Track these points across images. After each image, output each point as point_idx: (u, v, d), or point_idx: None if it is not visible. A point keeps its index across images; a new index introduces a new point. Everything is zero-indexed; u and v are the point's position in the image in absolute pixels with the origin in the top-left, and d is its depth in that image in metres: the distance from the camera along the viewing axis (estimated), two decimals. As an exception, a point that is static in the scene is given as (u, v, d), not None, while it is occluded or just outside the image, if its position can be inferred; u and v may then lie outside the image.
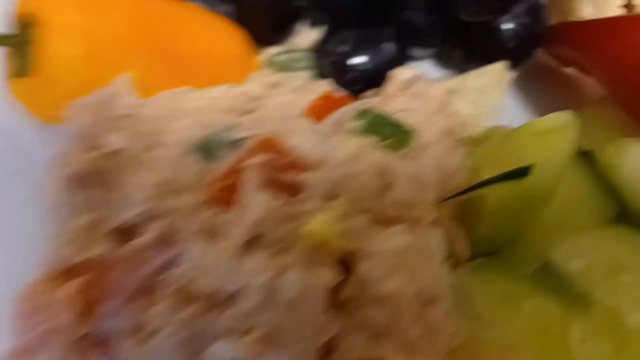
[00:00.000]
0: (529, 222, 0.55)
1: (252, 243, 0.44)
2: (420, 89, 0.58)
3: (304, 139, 0.48)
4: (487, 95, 0.66)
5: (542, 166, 0.51)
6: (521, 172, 0.50)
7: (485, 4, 0.60)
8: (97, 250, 0.47)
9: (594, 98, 0.69)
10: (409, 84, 0.59)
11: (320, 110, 0.60)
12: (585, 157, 0.60)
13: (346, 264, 0.47)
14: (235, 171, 0.47)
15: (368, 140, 0.52)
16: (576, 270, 0.51)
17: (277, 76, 0.63)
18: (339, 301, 0.46)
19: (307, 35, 0.70)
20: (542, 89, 0.72)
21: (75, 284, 0.47)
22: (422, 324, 0.44)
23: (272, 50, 0.67)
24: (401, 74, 0.60)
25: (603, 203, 0.58)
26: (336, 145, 0.50)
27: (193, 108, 0.56)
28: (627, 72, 0.61)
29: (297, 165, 0.48)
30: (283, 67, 0.66)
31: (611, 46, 0.62)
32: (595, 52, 0.65)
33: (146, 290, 0.46)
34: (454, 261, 0.54)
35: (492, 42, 0.68)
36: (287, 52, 0.67)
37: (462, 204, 0.56)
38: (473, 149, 0.58)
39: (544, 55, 0.72)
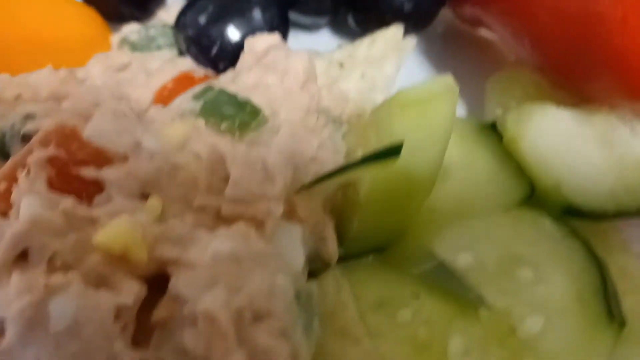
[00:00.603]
0: (413, 213, 0.45)
1: (20, 260, 0.34)
2: (277, 60, 0.48)
3: (102, 125, 0.38)
4: (380, 67, 0.57)
5: (416, 143, 0.41)
6: (392, 151, 0.41)
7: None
8: None
9: (510, 61, 0.59)
10: (263, 54, 0.49)
11: (171, 94, 0.51)
12: (493, 129, 0.51)
13: (164, 277, 0.37)
14: (16, 169, 0.37)
15: (200, 123, 0.42)
16: (464, 266, 0.42)
17: (125, 56, 0.53)
18: (151, 325, 0.36)
19: (173, 9, 0.60)
20: (450, 55, 0.63)
21: None
22: (247, 347, 0.34)
23: (128, 28, 0.57)
24: (257, 43, 0.50)
25: (508, 184, 0.48)
26: (152, 131, 0.40)
27: (7, 97, 0.46)
28: (534, 27, 0.51)
29: (98, 158, 0.38)
30: (138, 45, 0.57)
31: (516, 4, 0.52)
32: (501, 8, 0.55)
33: None
34: (323, 263, 0.44)
35: (388, 4, 0.58)
36: (142, 29, 0.57)
37: (333, 196, 0.46)
38: (351, 129, 0.49)
39: (451, 14, 0.62)
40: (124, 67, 0.53)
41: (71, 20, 0.57)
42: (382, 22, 0.59)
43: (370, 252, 0.47)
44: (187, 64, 0.55)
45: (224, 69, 0.55)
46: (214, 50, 0.54)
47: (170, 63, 0.55)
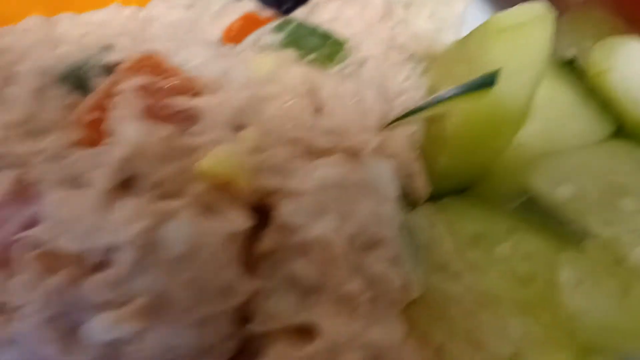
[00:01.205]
0: (502, 147, 0.44)
1: (126, 187, 0.32)
2: (357, -9, 0.46)
3: (195, 54, 0.37)
4: (448, 5, 0.55)
5: (510, 73, 0.40)
6: (486, 81, 0.40)
7: None
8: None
9: (576, 2, 0.57)
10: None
11: (238, 34, 0.49)
12: (571, 66, 0.49)
13: (264, 208, 0.36)
14: (107, 99, 0.35)
15: (288, 54, 0.40)
16: (564, 197, 0.40)
17: (189, -3, 0.51)
18: (257, 254, 0.35)
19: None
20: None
21: None
22: (362, 275, 0.33)
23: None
24: (334, -27, 0.48)
25: (594, 120, 0.47)
26: (241, 61, 0.38)
27: (74, 36, 0.44)
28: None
29: (189, 87, 0.37)
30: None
31: None
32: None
33: (4, 258, 0.35)
34: (412, 200, 0.43)
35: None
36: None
37: (422, 132, 0.45)
38: (431, 66, 0.47)
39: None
40: (188, 7, 0.51)
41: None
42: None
43: (457, 190, 0.46)
44: (249, 4, 0.53)
45: (287, 10, 0.53)
46: (279, -11, 0.52)
47: (233, 3, 0.53)
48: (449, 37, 0.54)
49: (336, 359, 0.32)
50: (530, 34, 0.40)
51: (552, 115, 0.47)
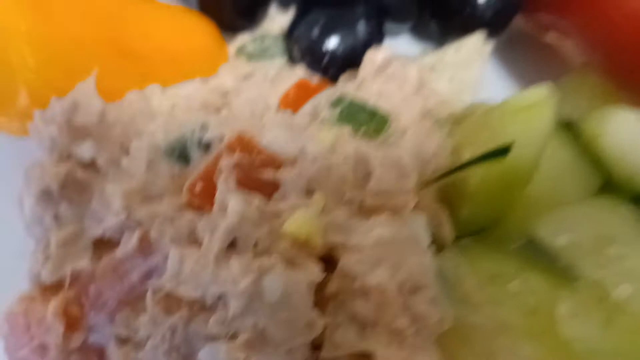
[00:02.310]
0: (513, 200, 0.54)
1: (231, 247, 0.43)
2: (396, 70, 0.56)
3: (276, 135, 0.47)
4: (466, 70, 0.65)
5: (522, 144, 0.51)
6: (501, 151, 0.50)
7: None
8: (80, 263, 0.47)
9: (577, 64, 0.68)
10: (384, 65, 0.57)
11: (295, 99, 0.59)
12: (569, 127, 0.60)
13: (330, 259, 0.46)
14: (210, 173, 0.46)
15: (344, 130, 0.51)
16: (562, 245, 0.51)
17: (249, 66, 0.62)
18: (325, 296, 0.45)
19: (277, 19, 0.68)
20: (523, 57, 0.71)
21: (61, 298, 0.47)
22: (409, 313, 0.44)
23: (242, 38, 0.66)
24: (375, 55, 0.58)
25: (588, 174, 0.57)
26: (311, 138, 0.49)
27: (165, 108, 0.55)
28: (608, 33, 0.59)
29: (272, 162, 0.47)
30: (254, 55, 0.65)
31: (593, 7, 0.60)
32: (573, 15, 0.63)
33: (132, 300, 0.46)
34: (440, 244, 0.54)
35: (468, 12, 0.67)
36: (257, 39, 0.65)
37: (445, 187, 0.55)
38: (454, 128, 0.58)
39: (523, 22, 0.70)
40: (248, 76, 0.61)
41: (194, 32, 0.65)
42: (463, 29, 0.67)
43: (471, 234, 0.57)
44: (300, 71, 0.63)
45: (333, 75, 0.63)
46: (325, 59, 0.63)
47: (286, 71, 0.63)
48: (467, 98, 0.64)
49: (389, 379, 0.43)
50: (538, 113, 0.51)
51: (554, 171, 0.57)
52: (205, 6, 0.65)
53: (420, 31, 0.73)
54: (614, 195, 0.56)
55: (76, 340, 0.46)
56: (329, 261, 0.46)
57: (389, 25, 0.71)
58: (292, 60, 0.66)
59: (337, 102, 0.53)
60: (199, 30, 0.65)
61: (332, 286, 0.45)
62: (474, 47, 0.66)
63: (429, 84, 0.63)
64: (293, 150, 0.47)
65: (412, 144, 0.51)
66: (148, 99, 0.54)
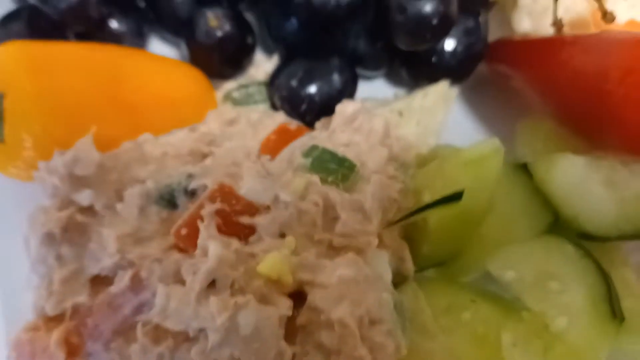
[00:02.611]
0: (468, 237, 0.61)
1: (211, 286, 0.50)
2: (363, 122, 0.63)
3: (253, 184, 0.54)
4: (432, 115, 0.72)
5: (473, 190, 0.57)
6: (454, 197, 0.56)
7: (419, 37, 0.65)
8: (79, 298, 0.53)
9: (534, 110, 0.74)
10: (352, 117, 0.64)
11: (274, 145, 0.66)
12: (523, 169, 0.66)
13: (299, 294, 0.53)
14: (194, 219, 0.53)
15: (314, 178, 0.57)
16: (509, 280, 0.57)
17: (234, 112, 0.68)
18: (294, 328, 0.52)
19: (262, 66, 0.75)
20: (485, 102, 0.77)
21: (63, 328, 0.53)
22: (367, 344, 0.50)
23: (229, 85, 0.72)
24: (346, 108, 0.65)
25: (538, 214, 0.64)
26: (284, 186, 0.55)
27: (156, 155, 0.61)
28: (554, 89, 0.66)
29: (249, 209, 0.54)
30: (240, 101, 0.71)
31: (541, 65, 0.67)
32: (527, 70, 0.70)
33: (124, 330, 0.52)
34: (402, 277, 0.60)
35: (434, 62, 0.73)
36: (242, 87, 0.72)
37: (407, 226, 0.62)
38: (417, 171, 0.64)
39: (486, 70, 0.77)
40: (233, 122, 0.68)
41: (185, 82, 0.71)
42: (430, 76, 0.74)
43: (432, 266, 0.63)
44: (281, 116, 0.70)
45: (310, 121, 0.70)
46: (303, 107, 0.69)
47: (267, 116, 0.70)
48: (432, 141, 0.71)
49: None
50: (485, 166, 0.57)
51: (507, 210, 0.64)
52: (195, 57, 0.72)
53: (392, 76, 0.80)
54: (562, 232, 0.62)
55: (75, 366, 0.52)
56: (298, 296, 0.53)
57: (364, 72, 0.77)
58: (273, 106, 0.72)
59: (309, 151, 0.60)
60: (190, 79, 0.71)
61: (301, 319, 0.51)
62: (440, 93, 0.72)
63: (396, 130, 0.69)
64: (267, 198, 0.54)
65: (376, 189, 0.58)
66: (141, 147, 0.60)
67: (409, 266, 0.59)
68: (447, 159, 0.60)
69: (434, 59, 0.73)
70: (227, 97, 0.72)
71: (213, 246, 0.49)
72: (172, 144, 0.62)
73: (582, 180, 0.61)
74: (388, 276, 0.56)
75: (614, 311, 0.55)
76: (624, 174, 0.62)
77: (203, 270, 0.49)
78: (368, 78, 0.79)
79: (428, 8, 0.63)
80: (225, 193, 0.53)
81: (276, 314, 0.49)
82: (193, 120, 0.69)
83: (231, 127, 0.67)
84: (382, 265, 0.56)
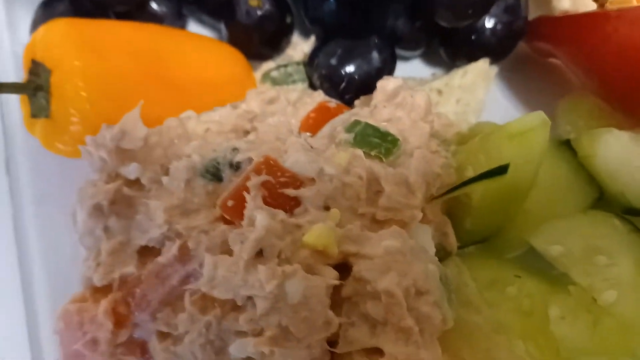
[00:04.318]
0: (512, 213, 0.60)
1: (258, 255, 0.50)
2: (405, 98, 0.63)
3: (297, 158, 0.54)
4: (472, 93, 0.71)
5: (518, 164, 0.56)
6: (499, 171, 0.56)
7: (461, 13, 0.65)
8: (127, 269, 0.54)
9: (576, 86, 0.73)
10: (394, 93, 0.64)
11: (314, 122, 0.66)
12: (566, 146, 0.65)
13: (345, 265, 0.53)
14: (240, 191, 0.53)
15: (357, 152, 0.57)
16: (555, 254, 0.57)
17: (273, 91, 0.68)
18: (340, 299, 0.52)
19: (299, 47, 0.75)
20: (525, 80, 0.77)
21: (110, 299, 0.54)
22: (414, 314, 0.50)
23: (267, 65, 0.73)
24: (387, 84, 0.65)
25: (583, 189, 0.63)
26: (328, 159, 0.55)
27: (199, 132, 0.62)
28: (598, 64, 0.65)
29: (294, 181, 0.54)
30: (278, 81, 0.72)
31: (584, 40, 0.66)
32: (570, 46, 0.69)
33: (172, 300, 0.53)
34: (445, 252, 0.60)
35: (473, 41, 0.73)
36: (281, 66, 0.72)
37: (450, 201, 0.61)
38: (459, 148, 0.64)
39: (526, 48, 0.76)
40: (273, 100, 0.68)
41: (225, 61, 0.72)
42: (469, 55, 0.74)
43: (475, 243, 0.63)
44: (320, 95, 0.70)
45: (349, 100, 0.70)
46: (343, 85, 0.69)
47: (306, 95, 0.70)
48: (473, 119, 0.70)
49: (397, 372, 0.49)
50: (531, 138, 0.56)
51: (551, 186, 0.63)
52: (234, 38, 0.73)
53: (430, 57, 0.79)
54: (608, 208, 0.61)
55: (123, 335, 0.53)
56: (343, 268, 0.53)
57: (401, 52, 0.77)
58: (312, 86, 0.72)
59: (352, 126, 0.59)
60: (229, 59, 0.72)
61: (347, 290, 0.51)
62: (479, 72, 0.72)
63: (436, 108, 0.69)
64: (312, 171, 0.54)
65: (419, 164, 0.57)
66: (184, 124, 0.61)
67: (452, 241, 0.59)
68: (491, 134, 0.59)
69: (473, 37, 0.73)
70: (266, 77, 0.72)
71: (260, 216, 0.50)
72: (215, 120, 0.63)
73: (627, 155, 0.60)
74: (432, 250, 0.56)
75: (663, 286, 0.54)
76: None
77: (251, 239, 0.49)
78: (406, 58, 0.79)
79: (471, -17, 0.63)
80: (270, 165, 0.54)
81: (323, 284, 0.49)
82: (233, 99, 0.69)
83: (271, 105, 0.68)
84: (426, 239, 0.56)
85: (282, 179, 0.54)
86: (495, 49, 0.73)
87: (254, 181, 0.52)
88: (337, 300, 0.52)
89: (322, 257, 0.51)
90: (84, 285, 0.56)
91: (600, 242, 0.56)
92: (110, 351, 0.53)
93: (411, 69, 0.79)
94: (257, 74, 0.74)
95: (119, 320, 0.53)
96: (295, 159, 0.54)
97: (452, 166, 0.62)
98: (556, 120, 0.71)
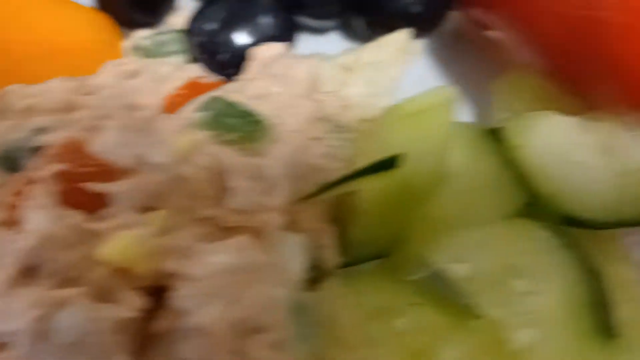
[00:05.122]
0: (413, 220, 0.46)
1: (30, 273, 0.36)
2: (284, 69, 0.49)
3: (109, 139, 0.40)
4: (385, 71, 0.57)
5: (416, 154, 0.42)
6: (390, 163, 0.42)
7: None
8: None
9: (518, 63, 0.59)
10: (272, 63, 0.50)
11: (180, 101, 0.52)
12: (495, 135, 0.51)
13: (163, 289, 0.39)
14: (27, 184, 0.39)
15: (204, 135, 0.43)
16: (460, 276, 0.42)
17: (138, 63, 0.55)
18: (150, 336, 0.38)
19: (183, 14, 0.61)
20: (460, 57, 0.63)
21: None
22: (241, 358, 0.36)
23: (140, 33, 0.59)
24: (264, 51, 0.51)
25: (509, 192, 0.49)
26: (159, 143, 0.41)
27: (19, 108, 0.48)
28: (540, 31, 0.51)
29: (103, 173, 0.40)
30: (150, 52, 0.58)
31: (523, 4, 0.52)
32: (508, 12, 0.55)
33: None
34: (320, 271, 0.46)
35: (394, 9, 0.59)
36: (154, 34, 0.58)
37: (338, 207, 0.47)
38: (352, 137, 0.49)
39: (460, 17, 0.62)
40: (134, 74, 0.54)
41: (82, 26, 0.58)
42: (389, 25, 0.59)
43: (371, 259, 0.48)
44: (195, 69, 0.56)
45: (232, 75, 0.56)
46: (224, 57, 0.55)
47: (179, 70, 0.56)
48: (383, 102, 0.56)
49: None
50: (430, 120, 0.42)
51: (468, 186, 0.49)
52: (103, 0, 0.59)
53: (349, 29, 0.65)
54: (541, 217, 0.47)
55: None
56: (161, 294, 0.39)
57: (314, 22, 0.63)
58: (195, 59, 0.58)
59: (208, 104, 0.46)
60: (88, 25, 0.58)
61: (160, 324, 0.38)
62: (397, 45, 0.58)
63: (342, 88, 0.55)
64: (129, 158, 0.40)
65: (287, 151, 0.43)
66: (5, 98, 0.47)
67: (331, 256, 0.45)
68: (384, 115, 0.45)
69: (394, 5, 0.58)
70: (137, 47, 0.58)
71: (36, 217, 0.36)
72: (42, 94, 0.49)
73: (570, 147, 0.46)
74: (295, 267, 0.41)
75: (604, 323, 0.39)
76: (625, 139, 0.46)
77: (20, 249, 0.35)
78: (316, 30, 0.64)
79: None
80: (73, 150, 0.40)
81: (112, 317, 0.35)
82: (86, 72, 0.55)
83: (131, 80, 0.54)
84: (290, 252, 0.42)
85: (85, 169, 0.40)
86: (421, 19, 0.59)
87: (46, 171, 0.38)
88: (147, 337, 0.38)
89: (128, 279, 0.37)
90: None
91: (521, 261, 0.42)
92: None
93: (324, 43, 0.65)
94: (128, 44, 0.59)
95: None
96: (106, 140, 0.40)
97: (341, 158, 0.48)
98: (491, 105, 0.57)
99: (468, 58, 0.62)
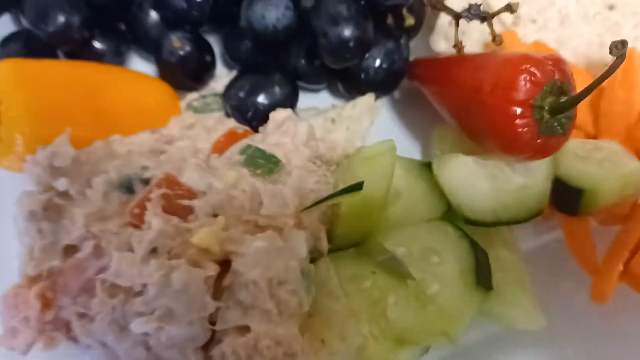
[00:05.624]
0: (374, 222, 0.75)
1: (153, 252, 0.64)
2: (290, 127, 0.77)
3: (191, 175, 0.68)
4: (359, 123, 0.86)
5: (371, 182, 0.71)
6: (356, 187, 0.70)
7: (341, 57, 0.80)
8: (53, 262, 0.68)
9: (443, 118, 0.88)
10: (282, 122, 0.78)
11: (223, 145, 0.80)
12: (427, 166, 0.80)
13: (228, 261, 0.67)
14: (144, 201, 0.67)
15: (243, 171, 0.71)
16: (401, 254, 0.71)
17: (192, 118, 0.83)
18: (222, 287, 0.66)
19: (222, 81, 0.90)
20: (411, 111, 0.91)
21: (40, 285, 0.68)
22: (275, 299, 0.64)
23: (191, 96, 0.87)
24: (277, 115, 0.79)
25: (437, 203, 0.77)
26: (218, 176, 0.70)
27: (122, 152, 0.76)
28: (450, 101, 0.80)
29: (188, 194, 0.68)
30: (198, 109, 0.86)
31: (440, 81, 0.81)
32: (432, 85, 0.84)
33: (87, 288, 0.67)
34: (318, 253, 0.74)
35: (362, 78, 0.87)
36: (201, 97, 0.87)
37: (327, 212, 0.76)
38: (336, 168, 0.78)
39: (409, 85, 0.91)
40: (191, 126, 0.83)
41: (153, 92, 0.86)
42: (360, 89, 0.88)
43: (349, 247, 0.77)
44: (232, 122, 0.85)
45: (257, 126, 0.85)
46: (249, 114, 0.84)
47: (220, 122, 0.84)
48: (358, 143, 0.85)
49: (259, 342, 0.63)
50: (381, 161, 0.71)
51: (411, 200, 0.77)
52: (162, 72, 0.87)
53: (334, 89, 0.94)
54: (454, 219, 0.76)
55: (49, 314, 0.66)
56: (227, 263, 0.67)
57: (307, 85, 0.92)
58: (227, 114, 0.87)
59: (244, 149, 0.74)
60: (157, 91, 0.86)
61: (226, 281, 0.66)
62: (365, 104, 0.87)
63: (328, 134, 0.84)
64: (203, 185, 0.68)
65: (294, 181, 0.72)
66: (110, 145, 0.75)
67: (324, 244, 0.73)
68: (352, 156, 0.74)
69: (362, 76, 0.87)
70: (189, 106, 0.87)
71: (155, 221, 0.64)
72: (136, 143, 0.77)
73: (468, 175, 0.74)
74: (302, 250, 0.70)
75: (484, 281, 0.68)
76: (507, 171, 0.75)
77: (146, 239, 0.63)
78: (313, 90, 0.93)
79: (346, 33, 0.78)
80: (169, 181, 0.68)
81: (202, 275, 0.63)
82: (158, 125, 0.83)
83: (189, 130, 0.82)
84: (298, 242, 0.70)
85: (178, 192, 0.68)
86: (380, 85, 0.88)
87: (155, 193, 0.67)
88: (219, 288, 0.66)
89: (207, 254, 0.65)
90: (21, 275, 0.70)
91: (436, 245, 0.71)
92: (39, 327, 0.67)
93: (319, 99, 0.93)
94: (182, 104, 0.88)
95: (46, 303, 0.67)
96: (189, 176, 0.68)
97: (329, 182, 0.77)
98: (430, 145, 0.86)
99: (415, 112, 0.91)
